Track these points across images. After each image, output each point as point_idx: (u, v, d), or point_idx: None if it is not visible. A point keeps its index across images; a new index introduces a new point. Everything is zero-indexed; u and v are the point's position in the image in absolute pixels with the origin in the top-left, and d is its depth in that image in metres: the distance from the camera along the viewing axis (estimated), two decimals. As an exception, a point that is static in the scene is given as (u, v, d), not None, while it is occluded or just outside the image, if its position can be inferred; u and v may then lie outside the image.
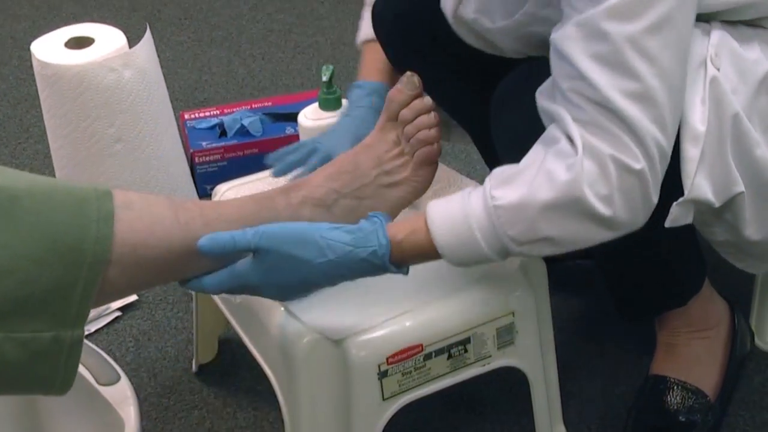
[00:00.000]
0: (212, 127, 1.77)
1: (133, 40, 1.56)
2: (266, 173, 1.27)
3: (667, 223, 1.04)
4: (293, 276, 0.96)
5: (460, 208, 0.97)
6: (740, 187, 1.05)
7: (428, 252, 0.98)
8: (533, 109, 1.01)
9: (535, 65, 1.08)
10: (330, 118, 1.54)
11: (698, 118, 1.01)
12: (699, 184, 1.03)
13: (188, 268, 0.98)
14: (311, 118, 1.55)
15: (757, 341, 1.35)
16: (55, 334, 0.89)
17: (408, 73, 1.09)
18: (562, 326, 1.42)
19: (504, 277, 1.10)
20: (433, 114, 1.08)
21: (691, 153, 1.01)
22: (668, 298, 1.22)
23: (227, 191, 1.29)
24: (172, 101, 2.01)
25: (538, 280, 1.13)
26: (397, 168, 1.07)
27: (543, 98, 0.99)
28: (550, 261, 1.15)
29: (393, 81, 1.21)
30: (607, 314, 1.32)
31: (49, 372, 0.91)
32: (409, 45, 1.28)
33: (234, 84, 2.13)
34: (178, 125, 1.76)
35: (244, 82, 2.14)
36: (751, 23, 1.08)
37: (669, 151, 0.97)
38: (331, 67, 1.52)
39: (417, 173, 1.07)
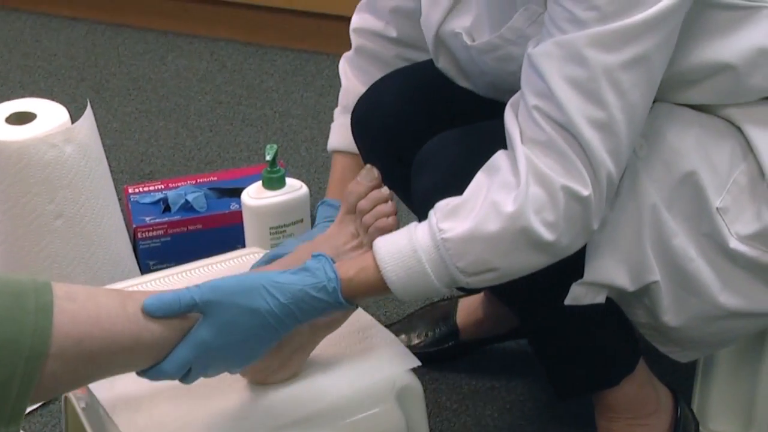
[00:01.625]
0: (156, 202, 1.77)
1: (80, 110, 1.57)
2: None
3: (567, 301, 1.08)
4: (248, 327, 0.95)
5: (407, 242, 0.99)
6: (655, 276, 1.08)
7: (378, 288, 1.00)
8: (450, 169, 1.05)
9: (460, 136, 1.12)
10: (273, 197, 1.56)
11: (610, 205, 1.04)
12: (605, 268, 1.06)
13: (138, 359, 0.97)
14: (254, 196, 1.57)
15: (701, 430, 1.36)
16: None
17: (367, 165, 1.12)
18: (508, 407, 1.43)
19: (376, 403, 1.06)
20: (390, 203, 1.10)
21: (594, 237, 1.04)
22: (600, 375, 1.22)
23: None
24: (117, 173, 2.02)
25: (414, 406, 1.09)
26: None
27: (509, 111, 1.02)
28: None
29: None
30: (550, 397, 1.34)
31: None
32: (394, 157, 1.27)
33: (181, 156, 2.14)
34: (121, 199, 1.76)
35: (191, 155, 2.15)
36: (700, 108, 1.11)
37: (617, 183, 1.00)
38: (274, 146, 1.55)
39: None
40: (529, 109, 0.97)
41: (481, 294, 1.47)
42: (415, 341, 1.46)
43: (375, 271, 1.00)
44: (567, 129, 0.96)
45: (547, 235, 0.97)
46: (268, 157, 1.54)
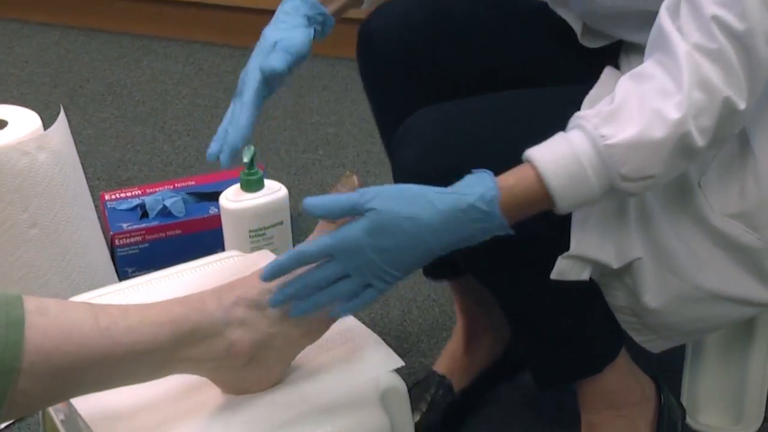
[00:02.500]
0: (133, 208, 1.77)
1: (54, 116, 1.56)
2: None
3: (553, 275, 1.08)
4: (401, 234, 0.96)
5: (567, 149, 0.99)
6: (638, 253, 1.08)
7: (539, 197, 0.99)
8: (434, 142, 1.06)
9: (442, 111, 1.12)
10: (252, 199, 1.56)
11: None
12: (591, 242, 1.07)
13: (113, 376, 0.96)
14: (233, 199, 1.56)
15: (688, 420, 1.36)
16: None
17: (347, 172, 1.10)
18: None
19: (360, 406, 1.05)
20: None
21: (580, 212, 1.06)
22: (582, 363, 1.23)
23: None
24: (93, 180, 2.01)
25: (398, 407, 1.08)
26: None
27: (665, 17, 1.02)
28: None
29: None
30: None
31: None
32: (396, 79, 1.26)
33: (158, 162, 2.13)
34: (97, 207, 1.75)
35: (169, 160, 2.14)
36: None
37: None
38: (252, 148, 1.54)
39: None
40: (707, 17, 0.99)
41: (457, 340, 1.46)
42: (416, 418, 1.40)
43: (536, 179, 0.99)
44: (743, 41, 0.98)
45: (700, 141, 0.99)
46: (245, 159, 1.54)
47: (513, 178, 1.00)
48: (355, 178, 1.10)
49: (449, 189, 0.99)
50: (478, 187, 0.98)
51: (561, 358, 1.23)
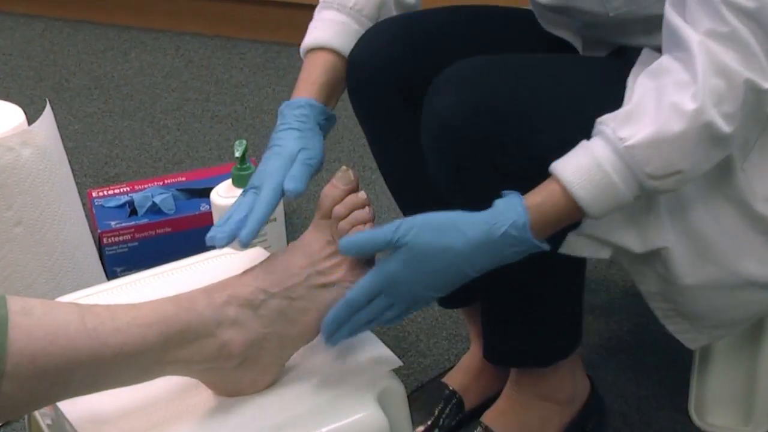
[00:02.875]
0: (122, 206, 1.77)
1: (39, 111, 1.56)
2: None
3: (562, 250, 1.11)
4: (437, 263, 1.01)
5: (588, 159, 1.02)
6: (666, 242, 1.10)
7: (569, 210, 1.03)
8: (475, 93, 1.08)
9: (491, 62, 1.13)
10: (244, 195, 1.55)
11: None
12: (614, 226, 1.10)
13: (100, 379, 0.96)
14: (224, 195, 1.57)
15: (697, 421, 1.37)
16: None
17: (343, 167, 1.11)
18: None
19: (357, 407, 1.06)
20: (367, 209, 1.09)
21: None
22: (533, 354, 1.26)
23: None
24: (80, 177, 2.01)
25: (397, 408, 1.09)
26: (331, 268, 1.07)
27: (672, 10, 1.03)
28: None
29: (330, 98, 1.23)
30: None
31: None
32: (388, 105, 1.27)
33: (147, 157, 2.14)
34: (85, 204, 1.75)
35: (158, 155, 2.14)
36: None
37: None
38: (243, 142, 1.54)
39: (352, 273, 1.06)
40: (715, 2, 0.99)
41: (473, 356, 1.44)
42: (420, 430, 1.40)
43: (563, 193, 1.02)
44: (756, 18, 0.98)
45: (726, 127, 0.99)
46: (237, 154, 1.54)
47: (540, 196, 1.03)
48: (351, 173, 1.10)
49: (481, 216, 1.02)
50: (509, 213, 1.02)
51: (515, 342, 1.26)
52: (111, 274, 1.71)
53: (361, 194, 1.10)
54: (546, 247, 1.04)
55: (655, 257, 1.12)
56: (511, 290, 1.21)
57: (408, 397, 1.13)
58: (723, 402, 1.37)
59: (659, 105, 1.00)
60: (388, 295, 1.03)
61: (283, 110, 1.19)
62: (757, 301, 1.18)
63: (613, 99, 1.06)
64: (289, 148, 1.15)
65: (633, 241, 1.11)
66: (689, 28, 1.01)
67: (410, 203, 1.33)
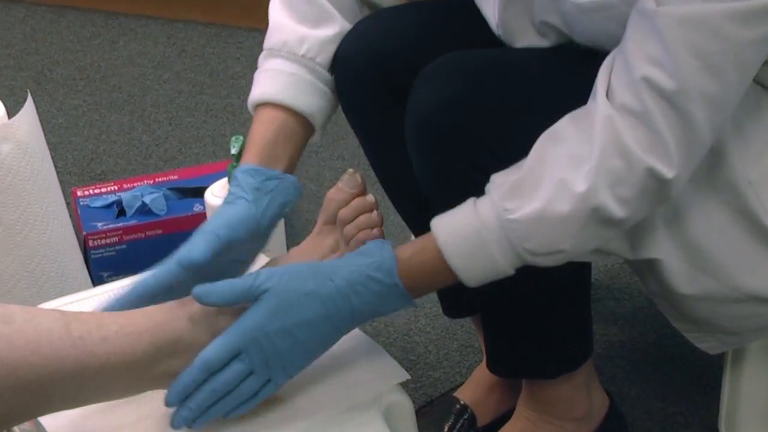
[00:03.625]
0: (109, 206, 1.77)
1: (19, 103, 1.57)
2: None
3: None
4: (304, 313, 1.00)
5: (472, 221, 1.02)
6: (658, 254, 1.10)
7: (439, 271, 1.04)
8: (458, 88, 1.08)
9: (475, 57, 1.13)
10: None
11: None
12: None
13: (85, 392, 0.97)
14: (219, 195, 1.57)
15: (728, 436, 1.37)
16: None
17: (349, 170, 1.12)
18: None
19: (362, 423, 1.06)
20: (375, 213, 1.10)
21: None
22: (540, 364, 1.26)
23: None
24: (64, 175, 2.02)
25: (404, 424, 1.10)
26: None
27: (602, 71, 1.04)
28: None
29: (279, 158, 1.16)
30: None
31: None
32: (377, 104, 1.26)
33: (137, 154, 2.14)
34: (69, 204, 1.76)
35: (149, 152, 2.15)
36: None
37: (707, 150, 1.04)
38: (240, 138, 1.55)
39: None
40: (635, 79, 0.99)
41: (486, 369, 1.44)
42: None
43: (435, 252, 1.03)
44: (673, 101, 0.98)
45: (619, 212, 1.00)
46: (233, 151, 1.54)
47: (411, 249, 1.04)
48: (357, 176, 1.11)
49: (345, 261, 1.03)
50: (373, 256, 1.02)
51: (521, 352, 1.26)
52: (97, 280, 1.71)
53: (369, 198, 1.11)
54: (414, 304, 1.04)
55: (651, 264, 1.13)
56: (510, 296, 1.21)
57: (416, 412, 1.13)
58: (756, 419, 1.37)
59: (551, 178, 1.01)
60: (249, 356, 1.00)
61: (234, 175, 1.16)
62: (761, 314, 1.17)
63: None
64: (211, 224, 1.10)
65: (624, 248, 1.11)
66: (602, 97, 1.01)
67: (405, 207, 1.34)
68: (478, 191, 1.06)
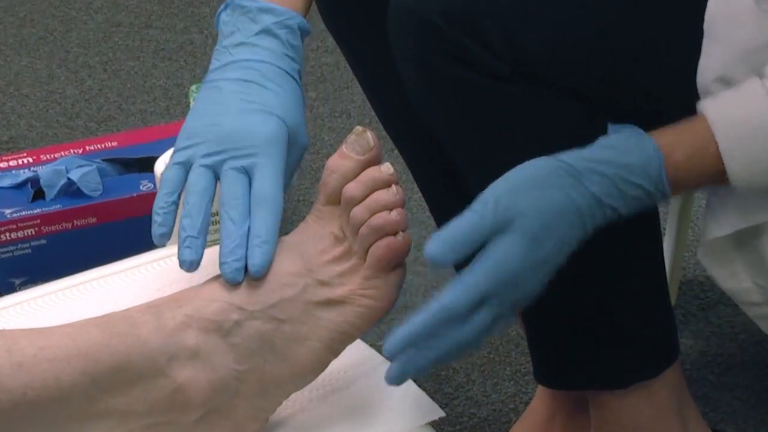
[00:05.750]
0: (21, 185, 1.78)
1: None
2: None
3: None
4: (561, 231, 1.06)
5: (752, 110, 1.07)
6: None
7: (713, 179, 1.09)
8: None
9: None
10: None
11: None
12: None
13: (30, 421, 0.98)
14: (175, 167, 1.57)
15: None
16: None
17: (357, 128, 1.11)
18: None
19: None
20: (394, 188, 1.09)
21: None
22: (603, 367, 1.28)
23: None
24: (-43, 144, 2.03)
25: None
26: (339, 276, 1.07)
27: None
28: None
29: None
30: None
31: None
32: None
33: (58, 113, 2.16)
34: (-34, 183, 1.76)
35: (75, 110, 2.16)
36: None
37: None
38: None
39: (370, 284, 1.07)
40: None
41: (540, 403, 1.48)
42: None
43: (715, 158, 1.08)
44: None
45: None
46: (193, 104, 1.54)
47: (683, 150, 1.09)
48: (369, 135, 1.10)
49: (593, 153, 1.07)
50: (632, 152, 1.08)
51: (572, 352, 1.28)
52: (6, 288, 1.72)
53: (386, 167, 1.10)
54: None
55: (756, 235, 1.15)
56: (572, 292, 1.22)
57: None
58: None
59: None
60: (499, 301, 1.04)
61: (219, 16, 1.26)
62: None
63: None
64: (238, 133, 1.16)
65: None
66: None
67: (403, 141, 1.41)
68: (476, 98, 1.09)
